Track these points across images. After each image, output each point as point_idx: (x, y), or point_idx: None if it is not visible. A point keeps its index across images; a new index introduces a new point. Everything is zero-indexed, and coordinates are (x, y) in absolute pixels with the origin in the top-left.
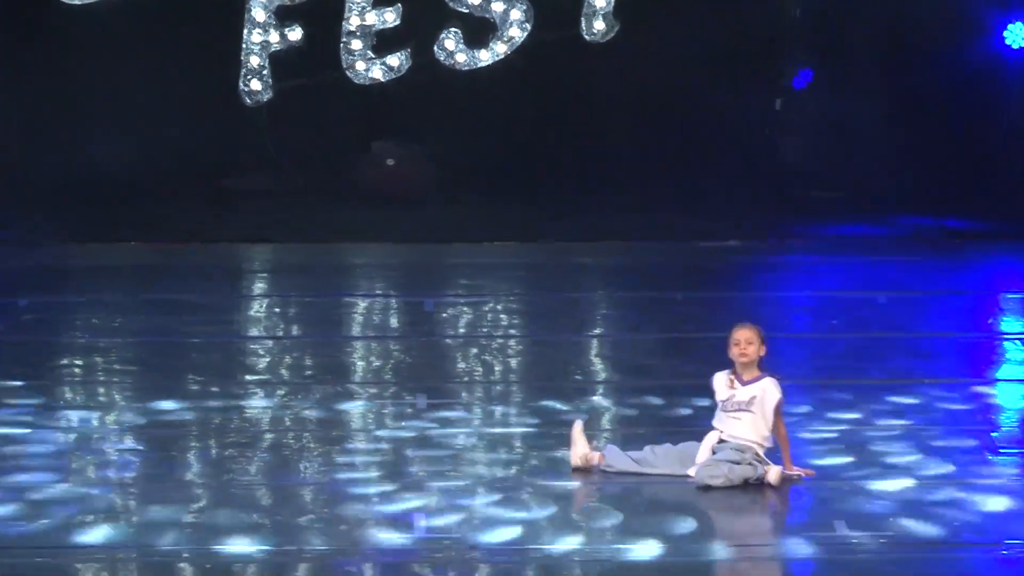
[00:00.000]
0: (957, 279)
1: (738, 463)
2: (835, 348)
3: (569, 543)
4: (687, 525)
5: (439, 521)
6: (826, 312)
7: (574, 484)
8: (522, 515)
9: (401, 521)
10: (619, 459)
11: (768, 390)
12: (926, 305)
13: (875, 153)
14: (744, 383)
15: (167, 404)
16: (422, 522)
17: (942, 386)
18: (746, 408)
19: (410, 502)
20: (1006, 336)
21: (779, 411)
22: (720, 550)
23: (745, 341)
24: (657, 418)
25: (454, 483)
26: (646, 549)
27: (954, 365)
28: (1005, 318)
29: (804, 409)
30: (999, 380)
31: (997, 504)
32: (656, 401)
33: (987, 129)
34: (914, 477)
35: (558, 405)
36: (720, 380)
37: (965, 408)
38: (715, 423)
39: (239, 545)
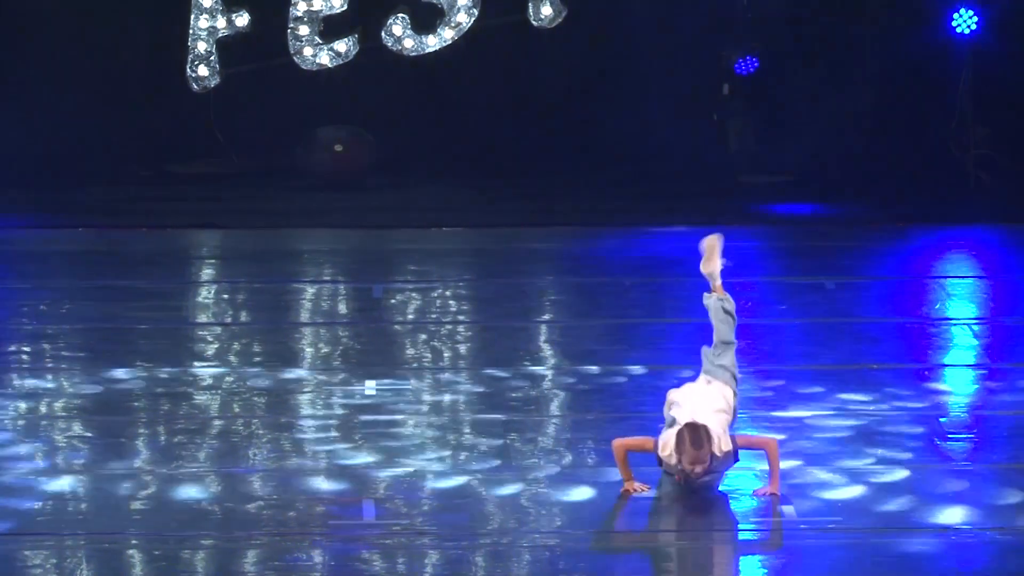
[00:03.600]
0: (903, 264)
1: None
2: (782, 333)
3: (513, 528)
4: (631, 510)
5: (388, 506)
6: (773, 297)
7: (522, 469)
8: (471, 500)
9: (350, 506)
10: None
11: (720, 458)
12: (873, 290)
13: (821, 137)
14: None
15: (115, 390)
16: (371, 507)
17: (888, 371)
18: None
19: (358, 487)
20: (950, 321)
21: (739, 438)
22: (669, 537)
23: (700, 463)
24: (607, 404)
25: (403, 469)
26: (591, 536)
27: (900, 351)
28: (950, 304)
29: (751, 394)
30: (945, 365)
31: (947, 489)
32: (605, 387)
33: (937, 115)
34: (861, 460)
35: (506, 391)
36: (664, 454)
37: (912, 394)
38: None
39: (187, 531)
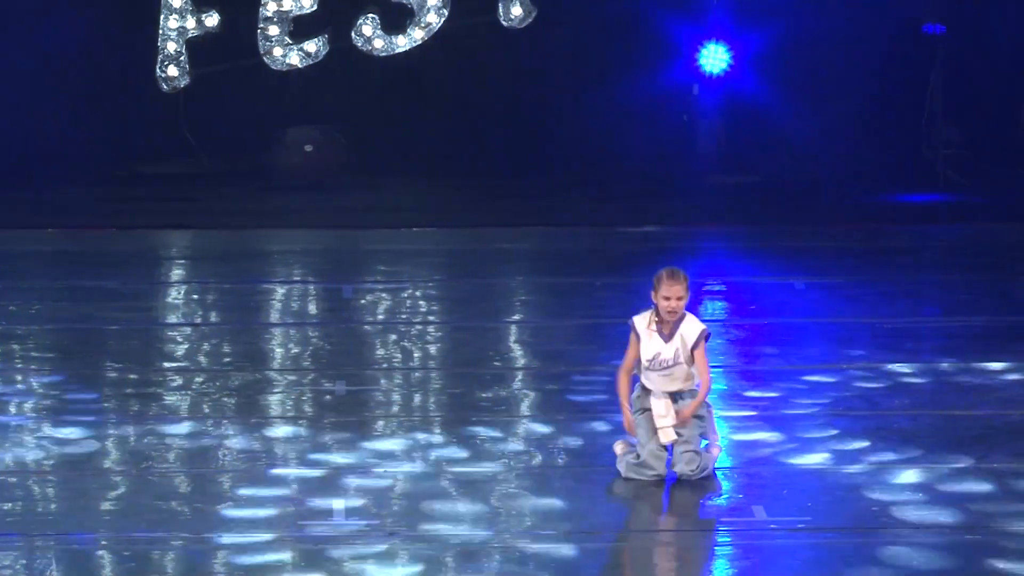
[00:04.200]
0: (873, 264)
1: (703, 431)
2: (752, 333)
3: (484, 529)
4: (601, 511)
5: (358, 506)
6: (744, 297)
7: (492, 469)
8: (440, 499)
9: (320, 507)
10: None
11: (687, 333)
12: (844, 291)
13: (793, 138)
14: (667, 337)
15: (85, 391)
16: (341, 507)
17: (859, 370)
18: (673, 363)
19: (328, 487)
20: (918, 321)
21: (701, 344)
22: (640, 536)
23: (676, 297)
24: (576, 405)
25: (373, 469)
26: (561, 536)
27: (870, 350)
28: (917, 303)
29: (722, 392)
30: (916, 364)
31: (916, 489)
32: (575, 386)
33: (907, 115)
34: (831, 459)
35: (477, 391)
36: (643, 329)
37: (883, 392)
38: (645, 381)
39: (157, 531)
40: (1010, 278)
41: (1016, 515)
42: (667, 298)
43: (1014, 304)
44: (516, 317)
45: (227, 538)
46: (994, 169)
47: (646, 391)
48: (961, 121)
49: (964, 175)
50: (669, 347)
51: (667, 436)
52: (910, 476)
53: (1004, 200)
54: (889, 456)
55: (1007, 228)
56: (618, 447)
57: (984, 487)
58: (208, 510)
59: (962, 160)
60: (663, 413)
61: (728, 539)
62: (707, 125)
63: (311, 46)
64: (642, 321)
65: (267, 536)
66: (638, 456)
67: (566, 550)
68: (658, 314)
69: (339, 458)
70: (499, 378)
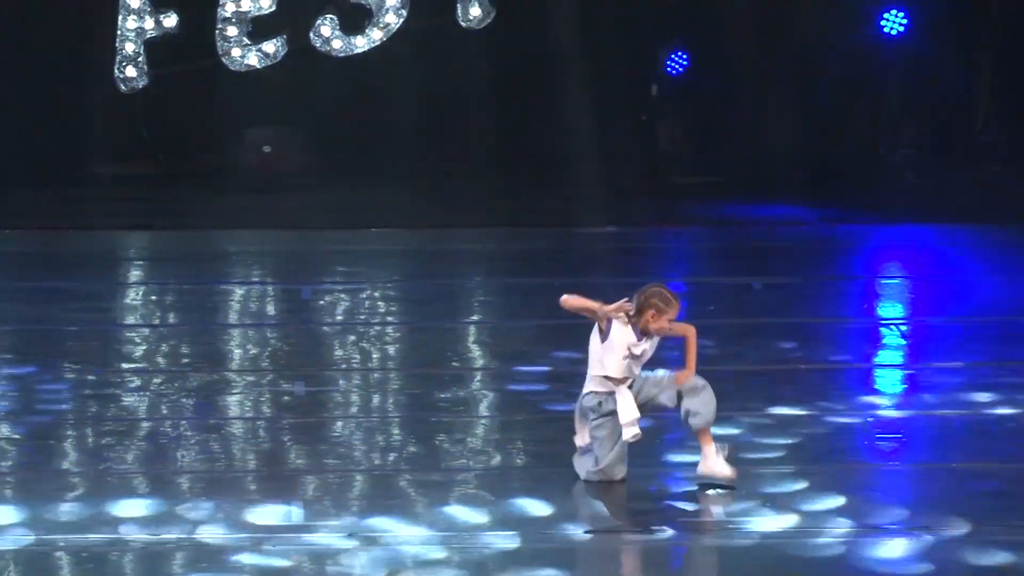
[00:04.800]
0: (831, 264)
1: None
2: (710, 334)
3: (445, 529)
4: (560, 511)
5: (317, 508)
6: (703, 298)
7: (451, 470)
8: (399, 502)
9: (280, 508)
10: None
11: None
12: (802, 290)
13: (751, 138)
14: (641, 336)
15: (44, 392)
16: (300, 510)
17: (816, 371)
18: (644, 356)
19: (287, 488)
20: (878, 321)
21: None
22: (599, 536)
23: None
24: (536, 406)
25: (331, 470)
26: (521, 537)
27: (827, 350)
28: (881, 303)
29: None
30: (877, 366)
31: (872, 489)
32: (535, 388)
33: (865, 114)
34: (794, 459)
35: (435, 392)
36: (620, 325)
37: (840, 393)
38: (613, 371)
39: (115, 533)
40: (969, 278)
41: (978, 514)
42: (671, 321)
43: (973, 304)
44: (475, 318)
45: (186, 538)
46: (951, 169)
47: (606, 393)
48: (918, 120)
49: (921, 174)
50: (644, 343)
51: (630, 433)
52: (873, 475)
53: (961, 200)
54: (847, 455)
55: (965, 228)
56: (577, 439)
57: (949, 485)
58: (167, 512)
59: (919, 159)
60: (627, 409)
61: (685, 537)
62: (666, 125)
63: (270, 47)
64: (621, 328)
65: (225, 535)
66: (597, 461)
67: (522, 551)
68: (639, 323)
69: (296, 458)
70: (458, 379)
